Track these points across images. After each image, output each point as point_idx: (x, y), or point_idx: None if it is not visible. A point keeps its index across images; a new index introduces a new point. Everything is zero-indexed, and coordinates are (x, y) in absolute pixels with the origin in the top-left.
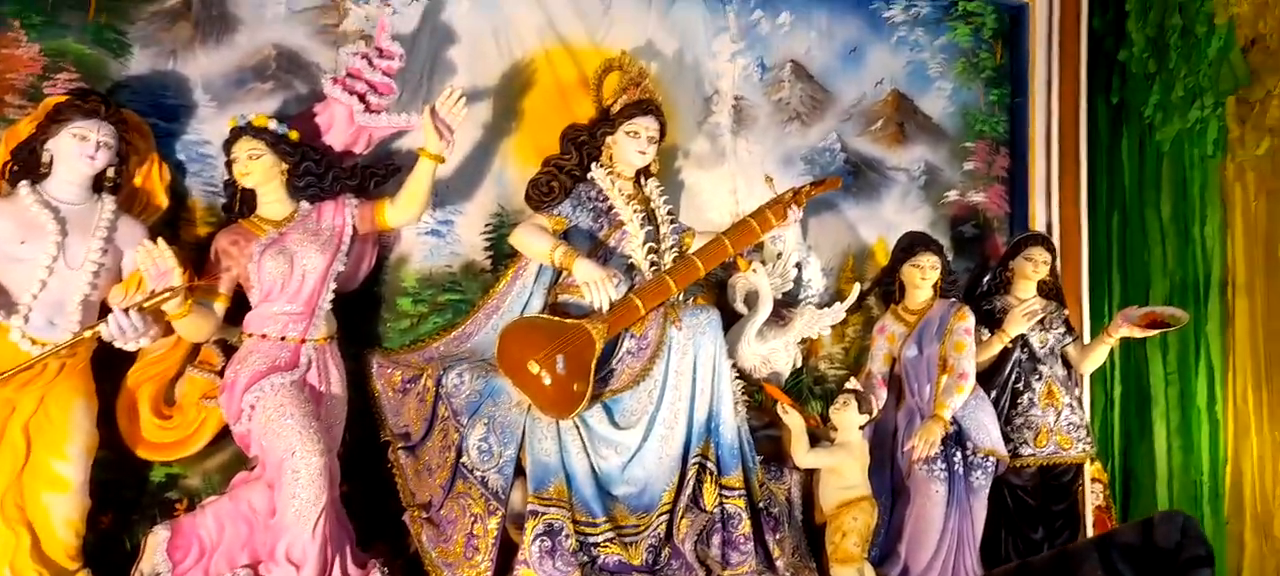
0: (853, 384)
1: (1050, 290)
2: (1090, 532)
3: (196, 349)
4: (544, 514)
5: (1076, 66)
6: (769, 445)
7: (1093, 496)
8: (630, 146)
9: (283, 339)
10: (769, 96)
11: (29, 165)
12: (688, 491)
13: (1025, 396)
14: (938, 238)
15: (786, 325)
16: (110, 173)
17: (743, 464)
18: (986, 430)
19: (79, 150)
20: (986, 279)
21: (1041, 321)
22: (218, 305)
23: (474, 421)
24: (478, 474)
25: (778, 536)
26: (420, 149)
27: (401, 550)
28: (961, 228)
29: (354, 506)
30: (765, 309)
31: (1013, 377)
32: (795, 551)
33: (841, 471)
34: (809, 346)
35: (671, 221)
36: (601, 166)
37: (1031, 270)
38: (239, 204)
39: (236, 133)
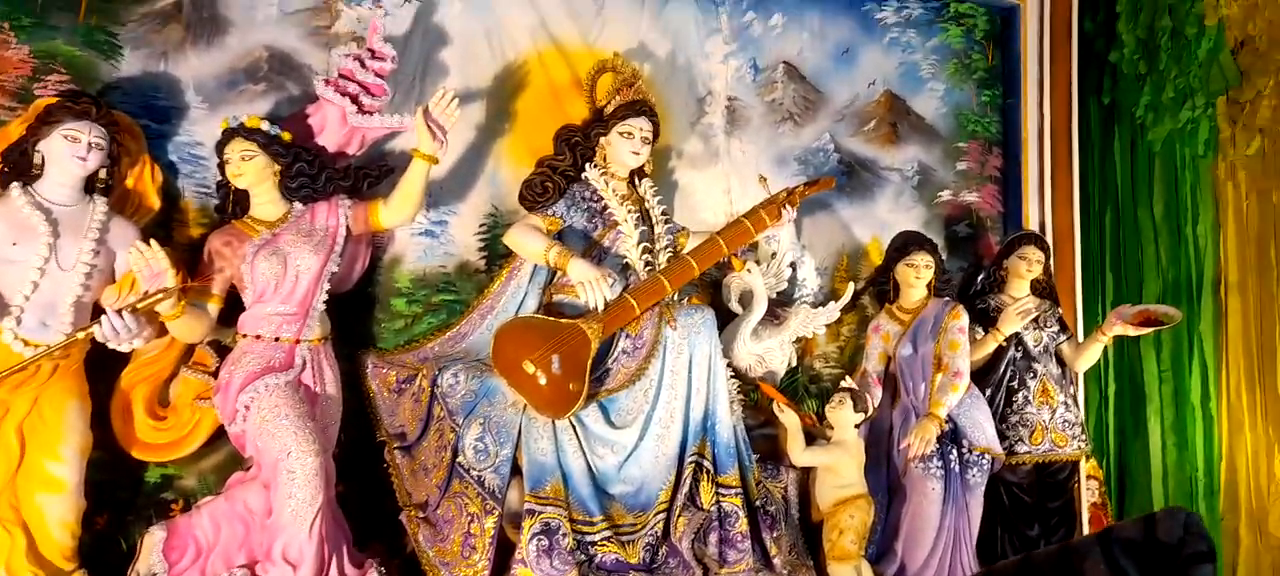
0: (848, 382)
1: (1044, 289)
2: (1087, 529)
3: (190, 350)
4: (541, 513)
5: (1068, 67)
6: (765, 444)
7: (1088, 493)
8: (624, 147)
9: (277, 340)
10: (762, 97)
11: (20, 167)
12: (684, 490)
13: (1020, 394)
14: (932, 237)
15: (781, 324)
16: (102, 174)
17: (739, 462)
18: (982, 428)
19: (70, 151)
20: (980, 278)
21: (1035, 320)
22: (211, 306)
23: (470, 421)
24: (474, 473)
25: (775, 534)
26: (413, 150)
27: (398, 550)
28: (955, 227)
29: (350, 506)
30: (760, 308)
31: (1007, 376)
32: (792, 549)
33: (838, 469)
34: (804, 345)
35: (666, 221)
36: (595, 167)
37: (1025, 269)
38: (232, 205)
39: (229, 134)
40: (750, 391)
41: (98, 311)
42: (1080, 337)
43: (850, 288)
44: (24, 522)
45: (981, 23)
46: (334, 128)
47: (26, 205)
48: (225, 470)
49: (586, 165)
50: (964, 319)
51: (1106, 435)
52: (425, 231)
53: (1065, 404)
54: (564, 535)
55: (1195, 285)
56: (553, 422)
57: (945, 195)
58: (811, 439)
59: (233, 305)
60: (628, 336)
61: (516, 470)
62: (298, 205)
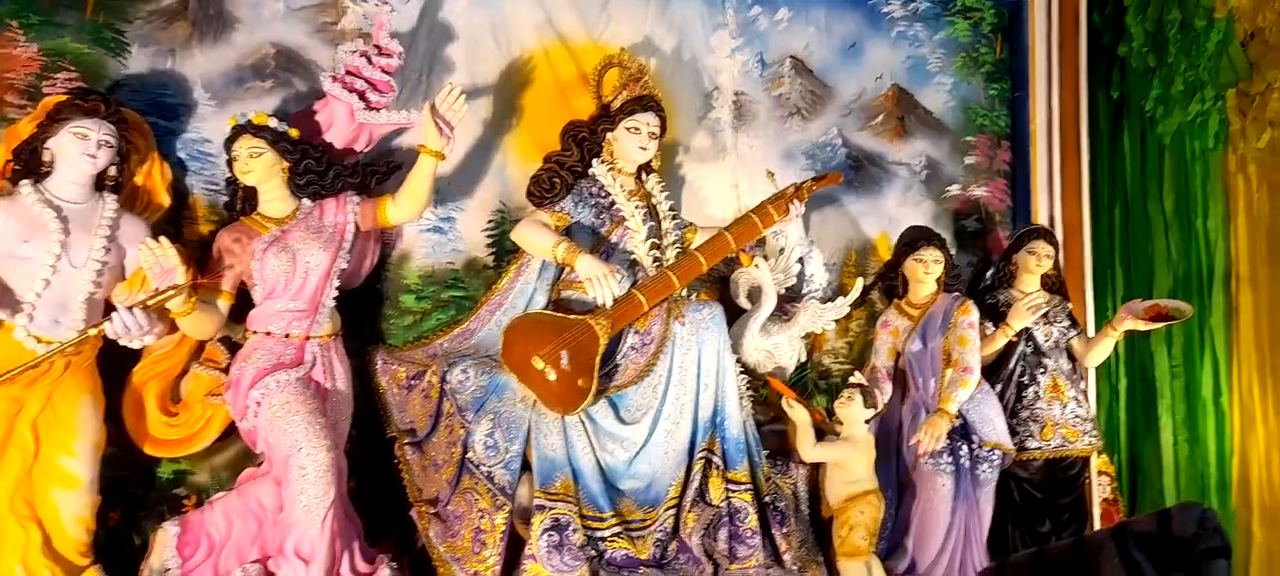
0: (857, 378)
1: (1053, 284)
2: (1098, 525)
3: (201, 346)
4: (551, 509)
5: (1076, 61)
6: (774, 440)
7: (1100, 489)
8: (631, 142)
9: (287, 336)
10: (769, 92)
11: (30, 164)
12: (694, 486)
13: (1030, 390)
14: (940, 232)
15: (790, 320)
16: (111, 171)
17: (749, 458)
18: (992, 424)
19: (80, 149)
20: (990, 273)
21: (1045, 315)
22: (221, 302)
23: (480, 417)
24: (484, 469)
25: (784, 530)
26: (420, 146)
27: (409, 545)
28: (964, 222)
29: (361, 502)
30: (769, 304)
31: (1018, 371)
32: (802, 545)
33: (847, 465)
34: (813, 341)
35: (674, 217)
36: (603, 162)
37: (1034, 264)
38: (241, 202)
39: (237, 131)
40: (759, 387)
41: (109, 308)
42: (1091, 332)
43: (859, 283)
44: (39, 518)
45: (989, 16)
46: (341, 124)
47: (37, 203)
48: (237, 465)
49: (594, 161)
50: (974, 314)
51: (1118, 430)
52: (433, 227)
53: (1076, 399)
54: (574, 531)
55: (1206, 279)
56: (562, 419)
57: (954, 190)
58: (821, 435)
59: (243, 302)
60: (636, 332)
61: (526, 466)
62: (306, 202)
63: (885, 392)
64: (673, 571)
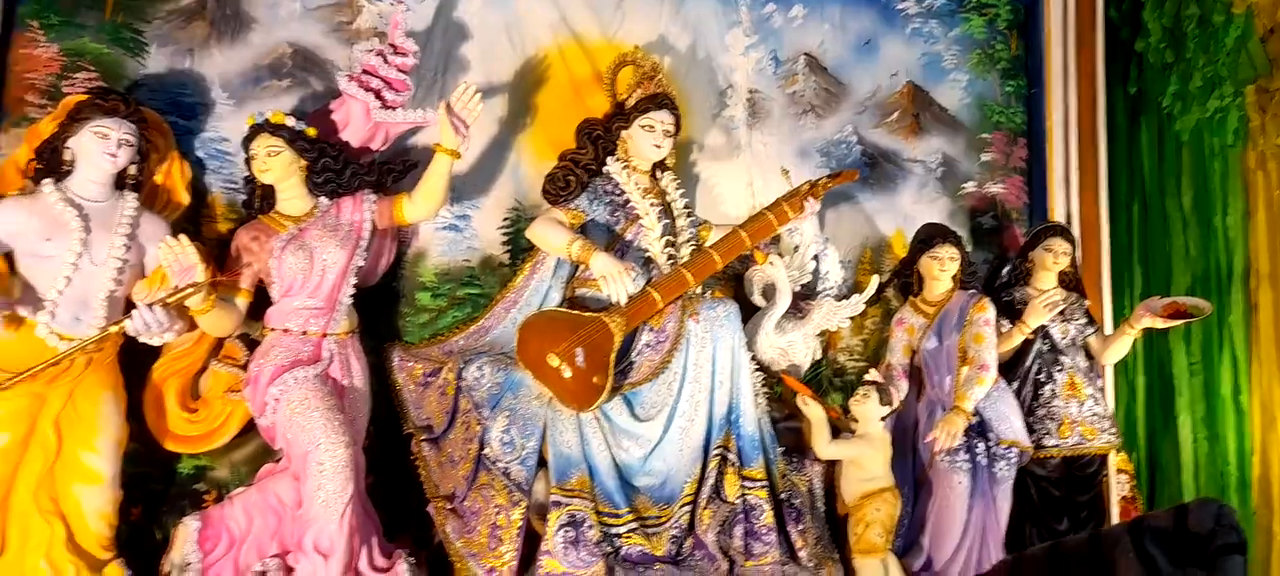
0: (873, 375)
1: (1071, 281)
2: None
3: (220, 343)
4: (567, 505)
5: (1093, 57)
6: (790, 437)
7: (1118, 487)
8: (645, 140)
9: (304, 333)
10: (783, 89)
11: (52, 163)
12: (709, 483)
13: (1047, 387)
14: (956, 229)
15: (805, 317)
16: (131, 170)
17: (764, 455)
18: (1009, 421)
19: (100, 148)
20: (1006, 270)
21: (1062, 312)
22: (240, 300)
23: (495, 414)
24: (500, 465)
25: (800, 527)
26: (436, 144)
27: (426, 541)
28: (980, 219)
29: (379, 498)
30: (783, 301)
31: (1034, 369)
32: (818, 542)
33: (863, 463)
34: (828, 338)
35: (688, 215)
36: (617, 160)
37: (1051, 261)
38: (259, 200)
39: (255, 130)
40: (774, 384)
41: (129, 306)
42: (1108, 330)
43: (874, 280)
44: (62, 513)
45: (1004, 12)
46: (358, 123)
47: (59, 201)
48: (256, 461)
49: (608, 159)
50: (990, 311)
51: (1136, 428)
52: (449, 226)
53: (1093, 397)
54: (590, 527)
55: (1225, 276)
56: (577, 416)
57: (969, 187)
58: (836, 432)
59: (261, 299)
60: (651, 330)
61: (542, 462)
62: (323, 200)
63: (901, 390)
64: (688, 568)
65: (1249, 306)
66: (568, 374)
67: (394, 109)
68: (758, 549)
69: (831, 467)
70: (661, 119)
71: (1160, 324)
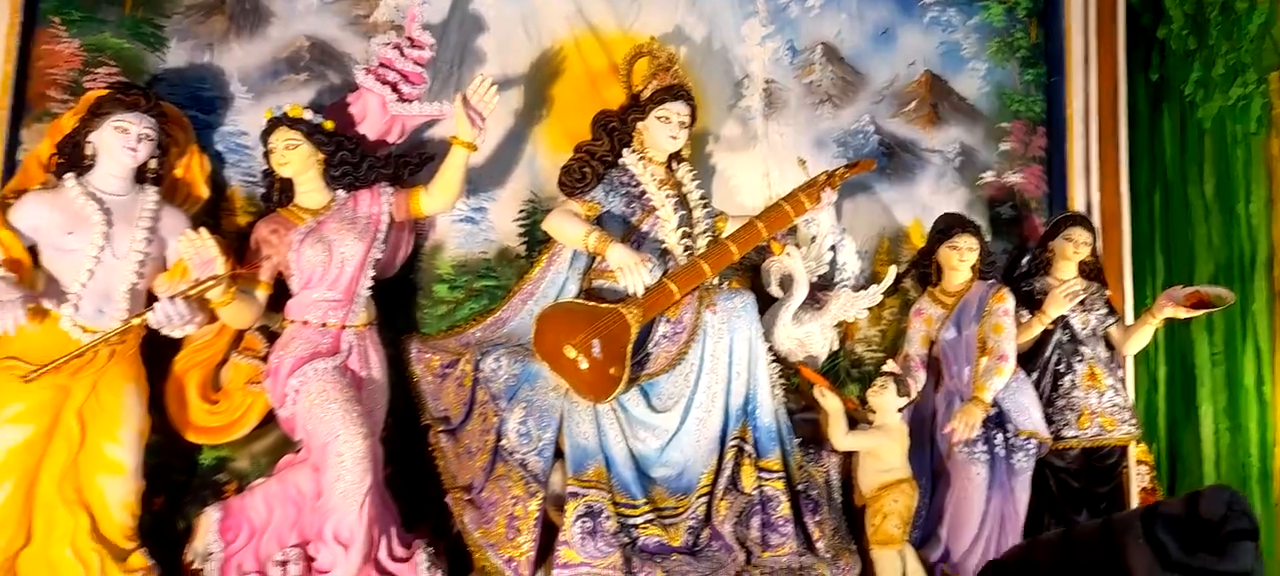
0: (890, 366)
1: (1091, 271)
2: None
3: (240, 335)
4: (584, 496)
5: (1114, 44)
6: (807, 428)
7: (1138, 478)
8: (661, 132)
9: (323, 325)
10: (800, 79)
11: (73, 158)
12: (726, 474)
13: (1067, 378)
14: (974, 219)
15: (822, 308)
16: (152, 164)
17: (781, 446)
18: (1028, 412)
19: (121, 142)
20: (1026, 260)
21: (1082, 302)
22: (260, 292)
23: (512, 405)
24: (517, 457)
25: (817, 518)
26: (452, 137)
27: (444, 531)
28: (999, 209)
29: (398, 489)
30: (800, 292)
31: (1054, 359)
32: (835, 533)
33: (880, 454)
34: (845, 329)
35: (705, 206)
36: (633, 152)
37: (1071, 250)
38: (278, 193)
39: (273, 123)
40: (791, 376)
41: (151, 298)
42: (1129, 320)
43: (892, 271)
44: (86, 504)
45: (1023, 0)
46: (375, 116)
47: (81, 195)
48: (277, 452)
49: (624, 150)
50: (1009, 301)
51: (1157, 419)
52: (466, 218)
53: (1114, 387)
54: (607, 518)
55: (1248, 265)
56: (594, 407)
57: (988, 176)
58: (854, 423)
59: (281, 291)
60: (667, 321)
61: (559, 453)
62: (341, 193)
63: (918, 381)
64: (705, 559)
65: (1272, 295)
66: (584, 365)
67: (410, 102)
68: (775, 540)
69: (848, 459)
70: (677, 110)
71: (1182, 313)
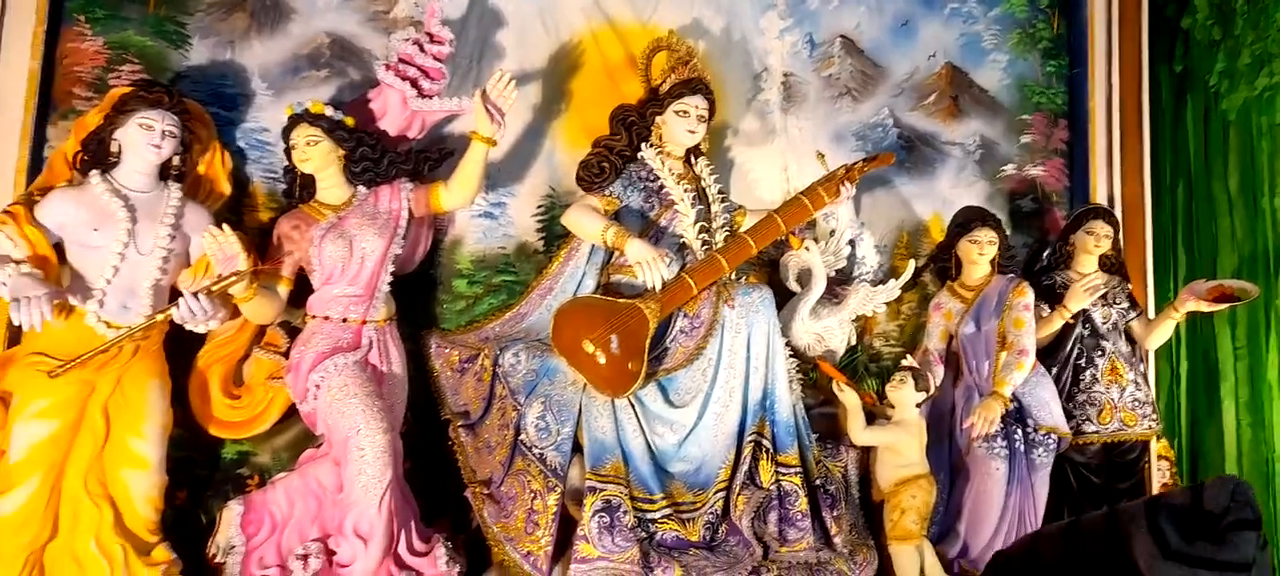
0: (909, 361)
1: (1113, 264)
2: None
3: (262, 331)
4: (602, 490)
5: (1137, 34)
6: (825, 423)
7: (1159, 474)
8: (680, 126)
9: (344, 320)
10: (819, 72)
11: (98, 155)
12: (744, 469)
13: (1088, 373)
14: (995, 212)
15: (840, 302)
16: (175, 161)
17: (799, 441)
18: (1048, 407)
19: (145, 139)
20: (1046, 254)
21: (1104, 296)
22: (281, 288)
23: (531, 400)
24: (536, 451)
25: (835, 513)
26: (472, 132)
27: (464, 525)
28: (1019, 202)
29: (417, 483)
30: (819, 286)
31: (1075, 354)
32: (853, 528)
33: (899, 449)
34: (863, 324)
35: (723, 200)
36: (651, 146)
37: (1093, 244)
38: (299, 189)
39: (294, 120)
40: (809, 370)
41: (175, 294)
42: (1151, 314)
43: (910, 265)
44: (111, 497)
45: None
46: (395, 112)
47: (106, 192)
48: (298, 447)
49: (642, 145)
50: (1029, 295)
51: (1179, 414)
52: (485, 213)
53: (1135, 382)
54: (625, 512)
55: (1272, 259)
56: (612, 402)
57: (1009, 169)
58: (872, 418)
59: (302, 287)
60: (685, 316)
61: (578, 448)
62: (361, 189)
63: (937, 376)
64: (723, 553)
65: None
66: (603, 360)
67: (430, 97)
68: (792, 535)
69: (867, 454)
70: (696, 104)
71: (1205, 307)
